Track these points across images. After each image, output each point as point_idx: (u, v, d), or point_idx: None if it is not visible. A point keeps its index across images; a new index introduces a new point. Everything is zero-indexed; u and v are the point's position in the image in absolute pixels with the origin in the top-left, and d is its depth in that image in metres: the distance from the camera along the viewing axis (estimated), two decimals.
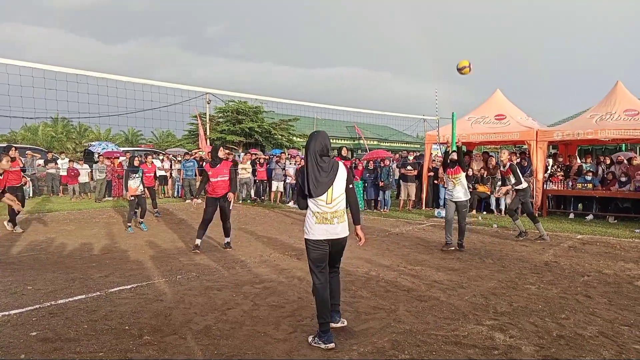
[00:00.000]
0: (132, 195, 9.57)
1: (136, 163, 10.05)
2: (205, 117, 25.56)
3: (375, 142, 41.74)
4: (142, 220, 9.85)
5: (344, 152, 9.48)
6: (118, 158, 17.38)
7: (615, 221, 10.71)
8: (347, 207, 3.75)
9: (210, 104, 25.85)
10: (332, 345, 3.49)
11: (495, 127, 12.75)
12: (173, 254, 7.11)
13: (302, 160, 3.53)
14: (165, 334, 3.74)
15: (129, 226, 9.56)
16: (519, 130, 12.24)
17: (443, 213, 11.41)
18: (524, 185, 8.34)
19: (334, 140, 43.44)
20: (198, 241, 7.23)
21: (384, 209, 13.06)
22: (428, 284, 5.33)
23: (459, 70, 9.69)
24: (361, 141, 32.63)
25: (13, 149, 9.64)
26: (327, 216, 3.60)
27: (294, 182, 14.84)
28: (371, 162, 14.00)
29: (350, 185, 3.73)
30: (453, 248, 7.37)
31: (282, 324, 3.99)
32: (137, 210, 9.82)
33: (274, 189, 15.27)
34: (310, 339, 3.62)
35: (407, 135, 41.17)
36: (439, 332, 3.81)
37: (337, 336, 3.70)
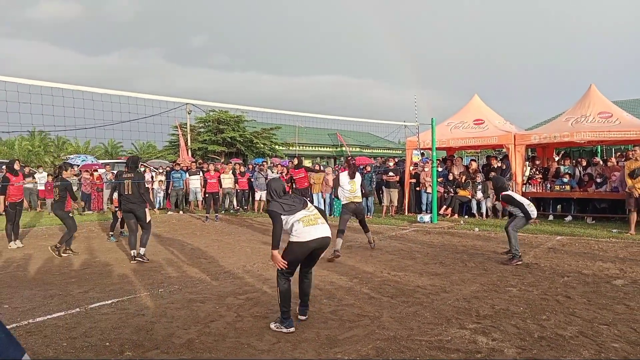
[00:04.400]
0: (116, 207, 9.74)
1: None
2: (186, 127, 25.38)
3: (358, 149, 41.97)
4: (122, 230, 10.02)
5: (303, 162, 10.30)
6: (97, 170, 17.15)
7: (593, 222, 10.92)
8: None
9: (191, 114, 25.75)
10: (293, 329, 4.02)
11: (474, 132, 12.93)
12: (155, 266, 7.01)
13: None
14: (147, 349, 3.68)
15: (111, 235, 9.66)
16: (497, 134, 12.44)
17: (426, 218, 11.53)
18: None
19: (317, 148, 43.56)
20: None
21: (367, 215, 13.09)
22: (411, 290, 5.35)
23: None
24: (343, 148, 32.75)
25: (17, 162, 9.46)
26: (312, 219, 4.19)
27: None
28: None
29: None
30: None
31: (265, 335, 3.96)
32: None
33: (257, 198, 15.20)
34: (272, 325, 4.12)
35: (388, 141, 41.51)
36: (423, 338, 3.83)
37: (321, 345, 3.70)
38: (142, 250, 7.34)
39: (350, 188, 7.70)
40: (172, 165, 17.05)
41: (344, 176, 7.82)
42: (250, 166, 17.78)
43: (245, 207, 15.59)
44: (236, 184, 15.32)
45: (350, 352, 3.54)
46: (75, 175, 15.77)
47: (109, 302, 5.04)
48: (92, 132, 8.56)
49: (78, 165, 18.96)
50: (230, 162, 19.45)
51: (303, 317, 4.34)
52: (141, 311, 4.69)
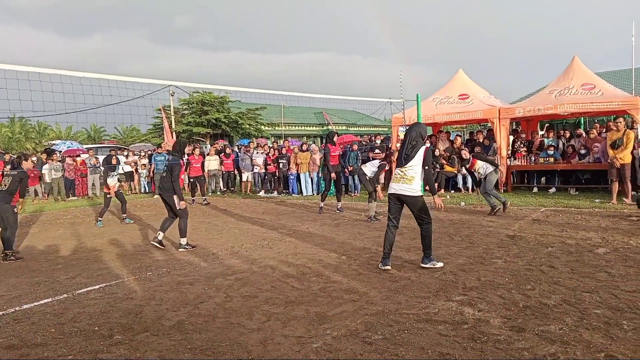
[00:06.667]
0: (110, 192, 9.64)
1: (113, 161, 10.39)
2: (170, 110, 25.04)
3: (344, 127, 41.81)
4: (125, 215, 9.91)
5: (335, 138, 10.69)
6: (79, 156, 16.91)
7: (577, 192, 11.09)
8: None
9: (174, 95, 25.36)
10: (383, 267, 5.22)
11: (459, 107, 12.95)
12: (143, 250, 6.98)
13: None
14: (136, 332, 3.68)
15: (99, 220, 9.59)
16: (482, 108, 12.47)
17: None
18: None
19: (303, 127, 43.36)
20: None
21: (354, 193, 13.14)
22: (399, 265, 5.41)
23: None
24: (329, 127, 32.63)
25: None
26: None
27: (263, 171, 14.75)
28: (341, 147, 14.04)
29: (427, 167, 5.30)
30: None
31: (255, 314, 3.98)
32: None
33: (244, 179, 15.14)
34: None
35: (374, 119, 41.42)
36: (411, 311, 3.88)
37: (311, 322, 3.73)
38: (183, 241, 6.86)
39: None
40: (155, 148, 16.89)
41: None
42: (230, 150, 17.62)
43: (232, 189, 15.53)
44: (222, 166, 15.22)
45: (340, 328, 3.58)
46: (58, 161, 15.55)
47: (97, 287, 5.02)
48: (74, 117, 8.41)
49: (61, 151, 18.66)
50: (216, 144, 19.30)
51: (423, 265, 5.29)
52: (130, 295, 4.68)
